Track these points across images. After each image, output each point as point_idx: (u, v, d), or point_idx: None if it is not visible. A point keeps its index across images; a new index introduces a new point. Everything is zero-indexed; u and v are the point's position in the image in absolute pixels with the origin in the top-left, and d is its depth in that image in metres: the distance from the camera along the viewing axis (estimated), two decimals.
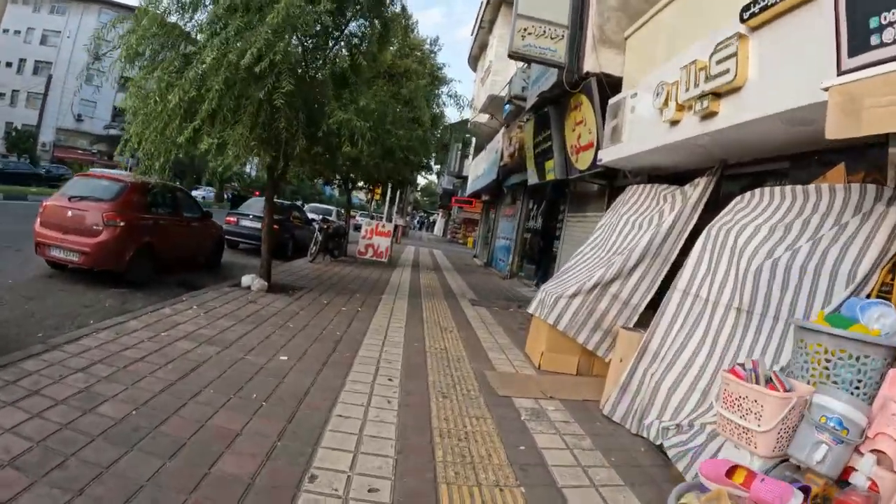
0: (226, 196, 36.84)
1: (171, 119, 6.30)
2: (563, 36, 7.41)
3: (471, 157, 29.83)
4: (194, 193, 25.49)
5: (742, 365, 2.96)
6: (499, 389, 4.87)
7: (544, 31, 7.30)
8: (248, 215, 14.38)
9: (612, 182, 8.68)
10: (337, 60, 7.66)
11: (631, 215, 6.45)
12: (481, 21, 20.38)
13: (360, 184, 17.65)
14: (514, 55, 7.20)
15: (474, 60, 24.78)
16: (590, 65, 7.36)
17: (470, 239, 37.46)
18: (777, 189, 4.51)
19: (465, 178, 30.16)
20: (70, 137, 43.99)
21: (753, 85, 4.32)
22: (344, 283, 10.24)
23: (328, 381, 4.50)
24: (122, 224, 7.50)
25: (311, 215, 21.31)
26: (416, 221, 68.17)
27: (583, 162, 7.96)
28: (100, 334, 4.94)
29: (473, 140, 29.77)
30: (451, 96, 12.21)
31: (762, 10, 4.06)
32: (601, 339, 5.81)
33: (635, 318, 5.78)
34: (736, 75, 4.34)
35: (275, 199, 18.77)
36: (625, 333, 4.94)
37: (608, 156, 6.88)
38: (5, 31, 36.71)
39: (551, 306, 5.74)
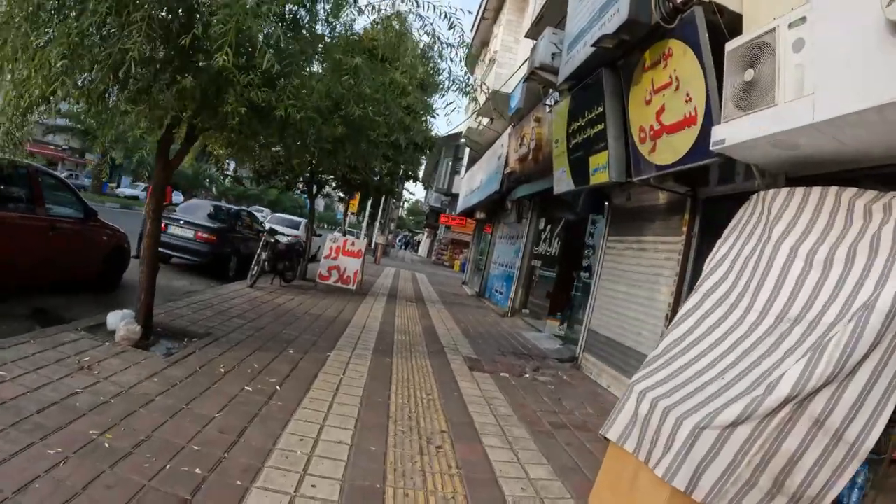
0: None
1: None
2: None
3: (463, 170, 26.78)
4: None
5: None
6: None
7: None
8: (178, 220, 11.10)
9: (697, 189, 5.57)
10: None
11: (798, 243, 3.32)
12: (485, 11, 17.55)
13: (329, 189, 14.37)
14: None
15: (473, 58, 21.89)
16: None
17: (457, 262, 34.27)
18: None
19: (455, 196, 27.04)
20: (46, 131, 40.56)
21: None
22: (280, 324, 6.92)
23: None
24: None
25: (275, 227, 18.09)
26: (399, 240, 65.22)
27: (668, 151, 4.83)
28: None
29: (467, 151, 26.79)
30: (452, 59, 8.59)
31: None
32: None
33: (851, 468, 2.61)
34: None
35: (221, 204, 15.42)
36: None
37: (737, 134, 3.76)
38: None
39: (682, 448, 2.51)
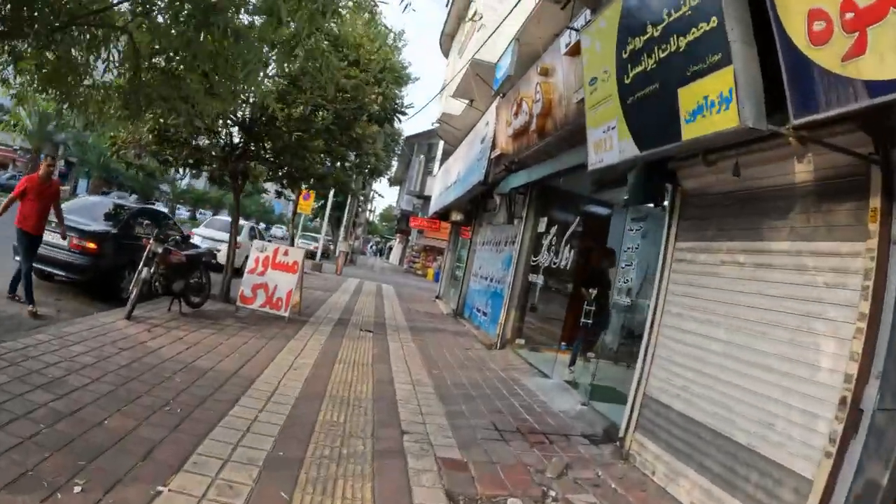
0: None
1: None
2: None
3: (436, 168, 23.91)
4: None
5: None
6: None
7: None
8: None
9: (891, 152, 2.76)
10: None
11: None
12: None
13: (261, 181, 11.29)
14: None
15: (448, 39, 19.01)
16: None
17: (430, 270, 31.27)
18: None
19: (428, 199, 24.12)
20: None
21: None
22: (114, 400, 3.86)
23: None
24: None
25: (207, 232, 14.85)
26: (371, 247, 62.42)
27: None
28: None
29: (440, 149, 23.99)
30: None
31: None
32: None
33: None
34: None
35: (123, 202, 12.09)
36: None
37: None
38: None
39: None
